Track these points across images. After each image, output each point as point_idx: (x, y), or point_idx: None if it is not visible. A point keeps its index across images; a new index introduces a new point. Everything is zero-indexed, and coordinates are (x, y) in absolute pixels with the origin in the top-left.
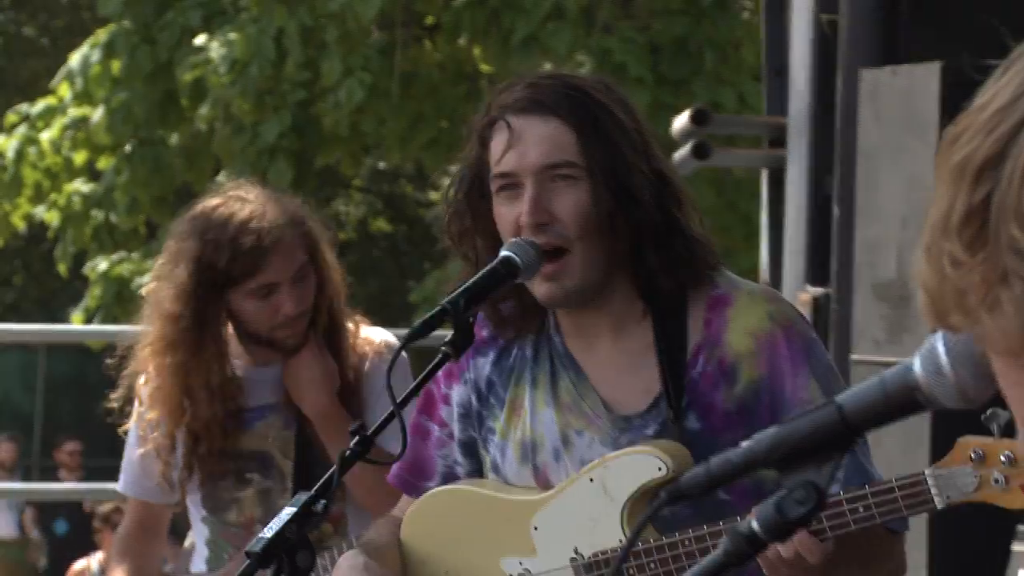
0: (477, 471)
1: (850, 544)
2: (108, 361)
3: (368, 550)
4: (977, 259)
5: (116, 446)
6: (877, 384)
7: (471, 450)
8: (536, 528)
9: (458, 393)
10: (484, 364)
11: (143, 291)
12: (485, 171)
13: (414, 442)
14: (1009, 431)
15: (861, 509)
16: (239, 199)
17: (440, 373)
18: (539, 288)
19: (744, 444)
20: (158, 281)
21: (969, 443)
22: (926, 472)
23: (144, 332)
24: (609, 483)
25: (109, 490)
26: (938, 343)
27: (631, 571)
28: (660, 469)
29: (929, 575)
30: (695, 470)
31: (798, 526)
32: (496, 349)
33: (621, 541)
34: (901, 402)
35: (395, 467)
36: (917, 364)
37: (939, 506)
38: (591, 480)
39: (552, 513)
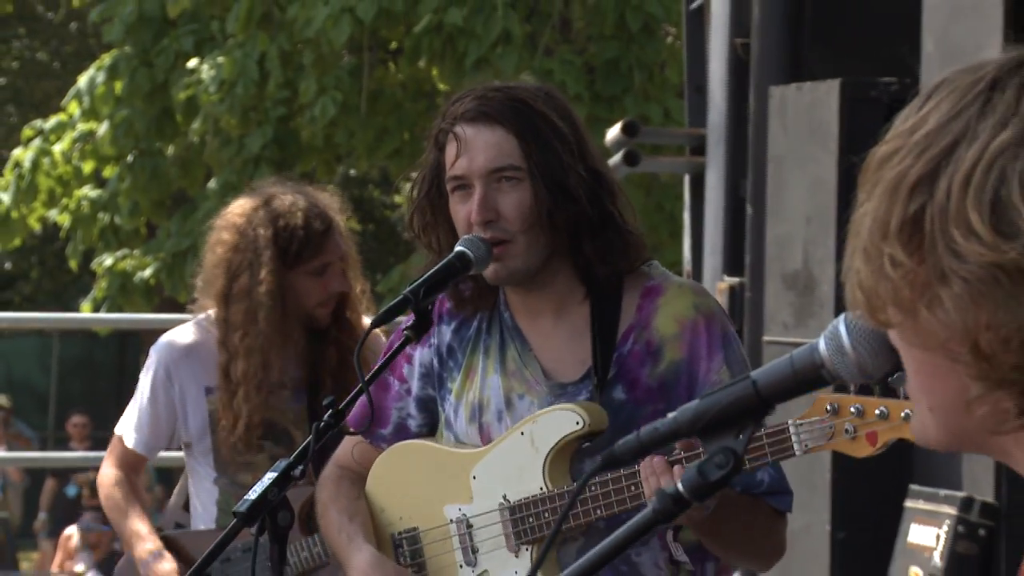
0: (428, 425)
1: (736, 508)
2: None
3: (365, 531)
4: (914, 260)
5: (116, 420)
6: (786, 362)
7: (426, 406)
8: (475, 477)
9: (422, 354)
10: (447, 331)
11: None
12: (442, 172)
13: (375, 391)
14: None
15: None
16: (291, 192)
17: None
18: (488, 269)
19: (669, 416)
20: (233, 269)
21: (825, 398)
22: (789, 422)
23: (228, 313)
24: (536, 436)
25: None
26: (840, 325)
27: (546, 515)
28: (578, 423)
29: (832, 528)
30: (628, 438)
31: (719, 487)
32: (458, 320)
33: (542, 488)
34: (808, 377)
35: (354, 411)
36: (822, 344)
37: (798, 453)
38: (522, 434)
39: (488, 464)
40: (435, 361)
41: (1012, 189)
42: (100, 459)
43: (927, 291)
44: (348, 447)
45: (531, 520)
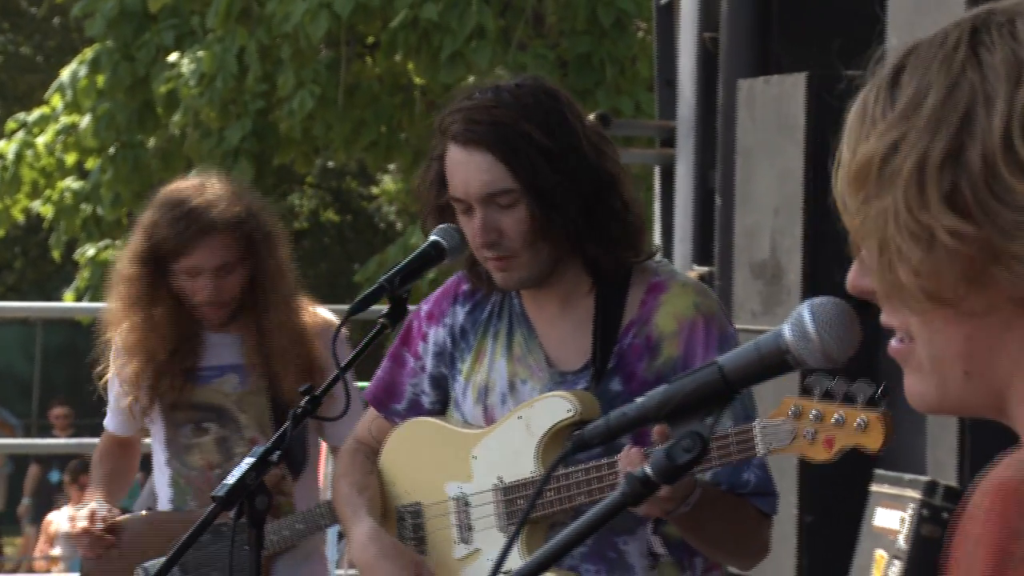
0: (440, 402)
1: (721, 507)
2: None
3: (371, 506)
4: (971, 226)
5: (102, 407)
6: (752, 347)
7: (439, 384)
8: (475, 457)
9: (437, 333)
10: (461, 313)
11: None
12: (443, 177)
13: (391, 367)
14: (847, 399)
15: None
16: (199, 187)
17: (423, 313)
18: (495, 276)
19: (638, 400)
20: (124, 249)
21: (791, 401)
22: (756, 423)
23: (112, 293)
24: (532, 421)
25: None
26: (805, 312)
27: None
28: (569, 411)
29: (799, 512)
30: (597, 422)
31: (686, 470)
32: (472, 302)
33: (532, 472)
34: (773, 363)
35: (371, 386)
36: (787, 330)
37: (760, 453)
38: (519, 418)
39: (488, 445)
40: (448, 341)
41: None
42: (82, 446)
43: (996, 252)
44: (367, 422)
45: (522, 502)
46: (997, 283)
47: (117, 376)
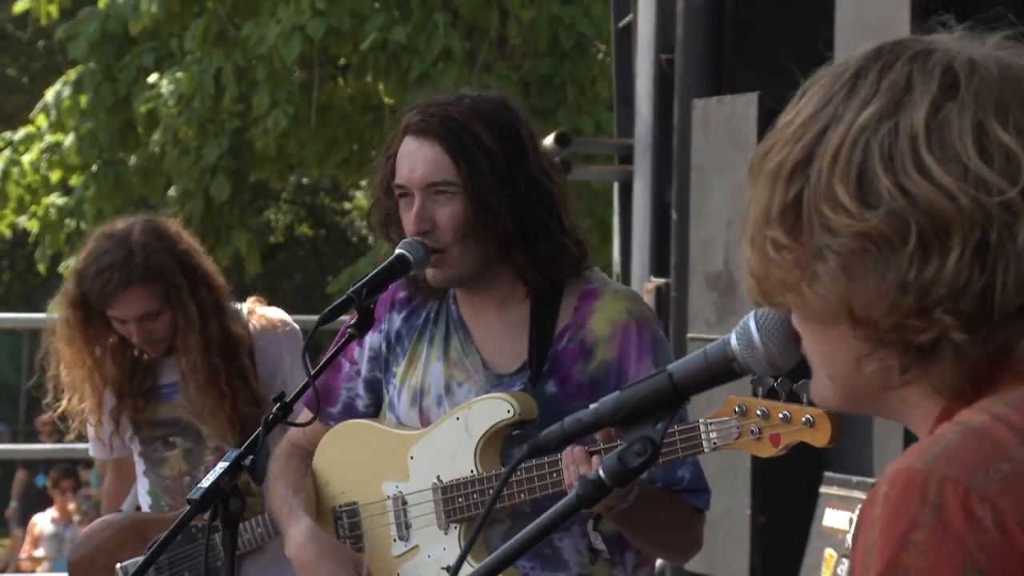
0: (374, 405)
1: (656, 503)
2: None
3: (308, 506)
4: (797, 243)
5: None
6: (701, 356)
7: (373, 387)
8: (412, 457)
9: (373, 338)
10: (397, 319)
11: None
12: (392, 173)
13: (327, 372)
14: (791, 398)
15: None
16: (123, 238)
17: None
18: (427, 272)
19: (591, 407)
20: (60, 293)
21: (735, 400)
22: (700, 421)
23: (54, 334)
24: (470, 422)
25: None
26: (751, 321)
27: (475, 496)
28: (508, 412)
29: (752, 513)
30: (552, 428)
31: (638, 474)
32: (408, 309)
33: (472, 471)
34: (721, 370)
35: (307, 393)
36: (733, 339)
37: (706, 450)
38: (457, 419)
39: (425, 445)
40: (383, 345)
41: (874, 161)
42: (67, 451)
43: (808, 269)
44: (297, 429)
45: (461, 500)
46: (807, 299)
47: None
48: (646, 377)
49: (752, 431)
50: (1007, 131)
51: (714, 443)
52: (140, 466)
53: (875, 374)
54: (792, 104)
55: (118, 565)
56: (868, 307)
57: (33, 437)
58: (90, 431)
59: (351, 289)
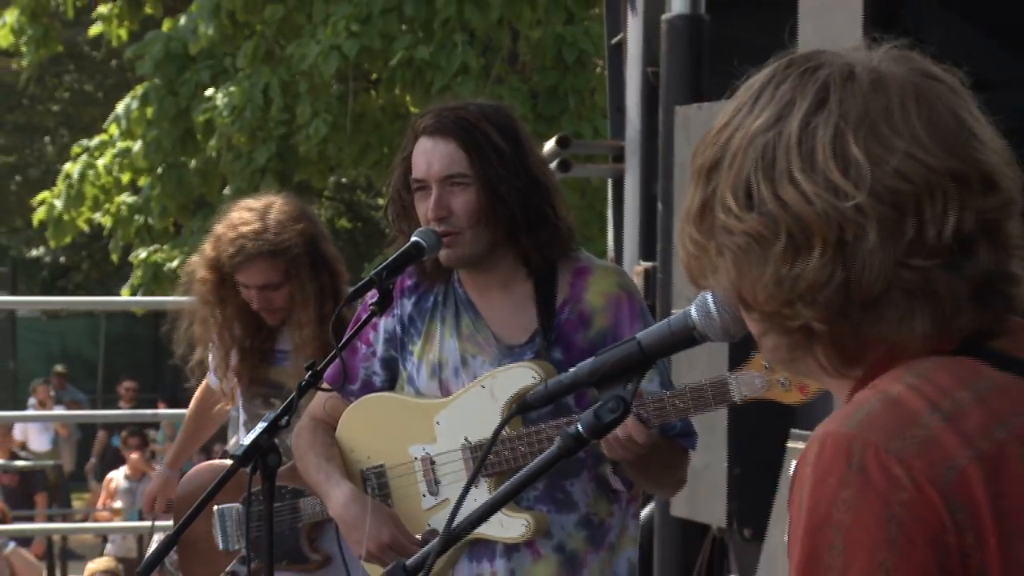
0: (389, 381)
1: (659, 447)
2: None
3: (341, 470)
4: (705, 238)
5: (155, 383)
6: (665, 325)
7: (389, 365)
8: (438, 423)
9: (387, 323)
10: (408, 304)
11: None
12: (410, 174)
13: (346, 355)
14: None
15: (679, 403)
16: (262, 212)
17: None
18: (441, 254)
19: (571, 370)
20: (198, 253)
21: (762, 357)
22: (729, 375)
23: (189, 291)
24: (496, 389)
25: (147, 414)
26: (709, 296)
27: (505, 452)
28: (533, 377)
29: (729, 465)
30: (538, 388)
31: (611, 428)
32: (417, 294)
33: None
34: (682, 338)
35: (330, 369)
36: (693, 311)
37: (737, 401)
38: (482, 387)
39: (451, 411)
40: (398, 328)
41: (757, 168)
42: (134, 416)
43: (711, 262)
44: (320, 402)
45: (490, 457)
46: (718, 287)
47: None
48: (617, 344)
49: (780, 382)
50: (857, 143)
51: (744, 395)
52: (242, 416)
53: (773, 349)
54: (723, 107)
55: (215, 507)
56: (752, 296)
57: (111, 404)
58: (213, 368)
59: (372, 272)
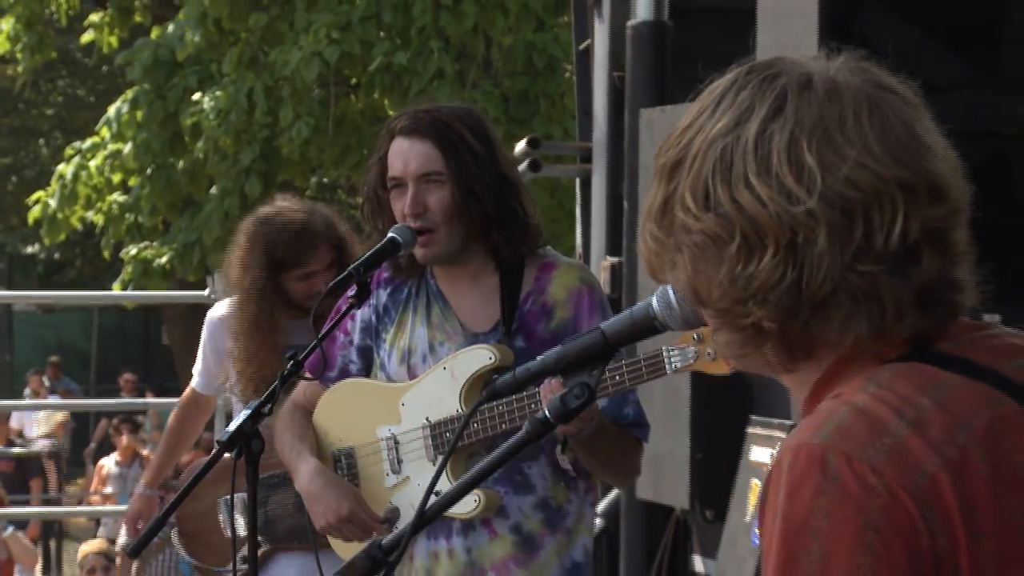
0: (366, 368)
1: (607, 434)
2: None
3: (311, 449)
4: (668, 237)
5: (145, 374)
6: (627, 316)
7: (365, 354)
8: (403, 404)
9: (363, 312)
10: (383, 295)
11: (224, 268)
12: (386, 173)
13: (324, 344)
14: None
15: (617, 377)
16: (292, 208)
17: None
18: (417, 251)
19: (538, 358)
20: (235, 265)
21: (693, 330)
22: (663, 348)
23: (234, 303)
24: (456, 369)
25: (138, 403)
26: (669, 288)
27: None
28: (490, 358)
29: (691, 450)
30: (506, 376)
31: (576, 413)
32: (393, 286)
33: (457, 409)
34: (644, 327)
35: (310, 360)
36: (654, 301)
37: (668, 372)
38: (444, 368)
39: (415, 393)
40: (373, 317)
41: (715, 170)
42: (125, 405)
43: (670, 258)
44: (301, 389)
45: (448, 435)
46: (676, 283)
47: (235, 370)
48: (582, 333)
49: (708, 354)
50: (811, 150)
51: (675, 366)
52: (240, 410)
53: (727, 345)
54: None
55: (220, 499)
56: (707, 293)
57: (104, 395)
58: (208, 370)
59: (351, 267)
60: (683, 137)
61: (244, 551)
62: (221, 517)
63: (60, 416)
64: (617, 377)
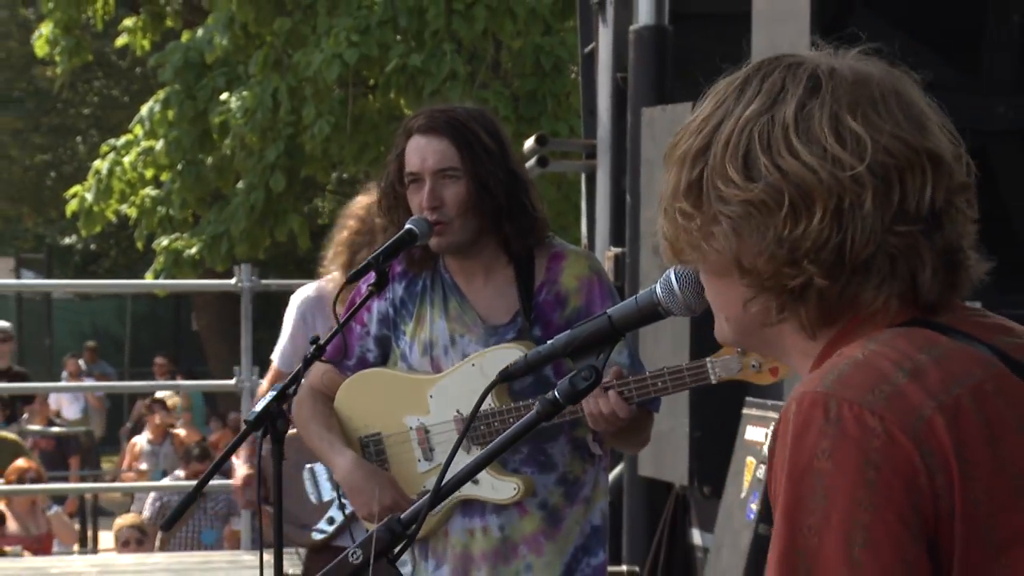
0: (382, 358)
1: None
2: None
3: (341, 439)
4: (699, 211)
5: (175, 358)
6: (632, 302)
7: (382, 343)
8: (432, 396)
9: (380, 305)
10: (399, 289)
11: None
12: (403, 169)
13: (342, 333)
14: None
15: (659, 383)
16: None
17: (364, 291)
18: (432, 240)
19: (548, 343)
20: (354, 247)
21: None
22: (708, 359)
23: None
24: (485, 366)
25: (169, 385)
26: (672, 275)
27: (496, 424)
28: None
29: (691, 429)
30: (518, 360)
31: (584, 395)
32: (407, 279)
33: (491, 405)
34: (648, 313)
35: (331, 347)
36: (658, 289)
37: (714, 382)
38: (472, 365)
39: (444, 386)
40: (390, 310)
41: (755, 145)
42: (157, 387)
43: (706, 231)
44: (318, 375)
45: (482, 428)
46: (707, 255)
47: (324, 331)
48: (590, 319)
49: (753, 365)
50: (856, 120)
51: (719, 376)
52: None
53: (758, 314)
54: (698, 104)
55: (306, 466)
56: (752, 259)
57: (137, 377)
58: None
59: (370, 256)
60: (705, 125)
61: (329, 513)
62: (307, 484)
63: (95, 399)
64: (660, 384)
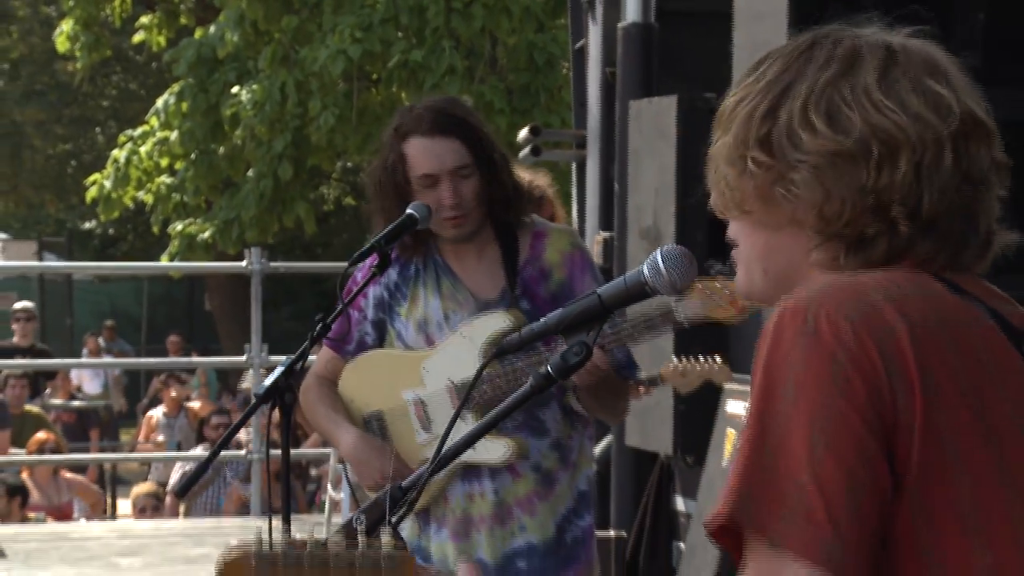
0: (379, 340)
1: (608, 378)
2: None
3: (347, 418)
4: (773, 159)
5: (190, 336)
6: (621, 281)
7: (379, 326)
8: (425, 369)
9: (375, 290)
10: (393, 273)
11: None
12: (404, 164)
13: (341, 320)
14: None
15: (631, 329)
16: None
17: (361, 278)
18: (448, 231)
19: (541, 320)
20: None
21: (696, 283)
22: (672, 301)
23: None
24: (473, 334)
25: (183, 363)
26: (658, 255)
27: (486, 388)
28: (504, 322)
29: (675, 403)
30: (512, 336)
31: (576, 369)
32: (400, 264)
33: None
34: (635, 292)
35: (335, 327)
36: (645, 268)
37: (682, 321)
38: (462, 335)
39: (436, 358)
40: (385, 294)
41: (841, 103)
42: (173, 364)
43: (781, 179)
44: (323, 362)
45: (473, 394)
46: (779, 203)
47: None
48: (581, 297)
49: (717, 301)
50: (939, 84)
51: (687, 315)
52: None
53: (819, 261)
54: (748, 74)
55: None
56: (832, 205)
57: (154, 355)
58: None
59: (373, 239)
60: (771, 88)
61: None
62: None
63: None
64: (632, 330)
